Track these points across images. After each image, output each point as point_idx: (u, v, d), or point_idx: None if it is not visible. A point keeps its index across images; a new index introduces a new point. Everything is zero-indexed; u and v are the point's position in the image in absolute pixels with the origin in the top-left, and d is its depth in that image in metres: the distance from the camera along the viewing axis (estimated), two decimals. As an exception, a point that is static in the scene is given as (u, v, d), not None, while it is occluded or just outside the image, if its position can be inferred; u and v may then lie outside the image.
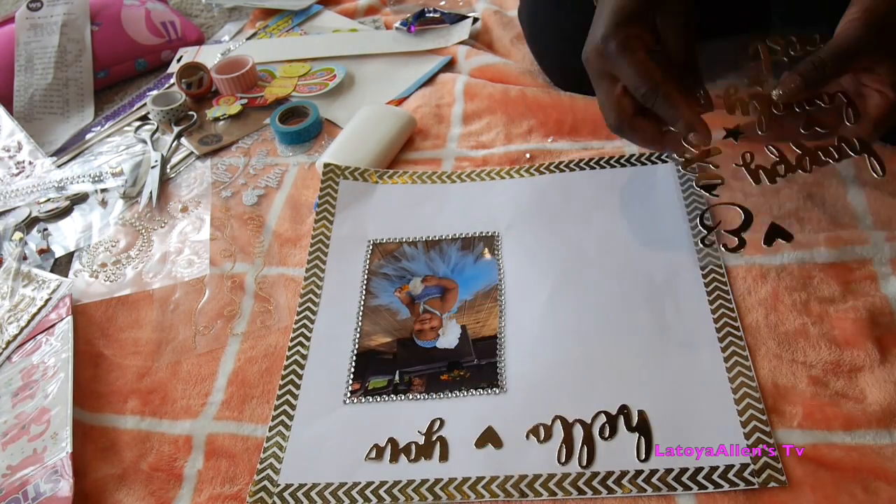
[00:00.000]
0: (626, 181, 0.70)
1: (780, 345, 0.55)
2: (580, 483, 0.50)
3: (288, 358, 0.61)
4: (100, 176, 0.85)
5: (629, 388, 0.54)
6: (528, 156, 0.76)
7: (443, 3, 1.06)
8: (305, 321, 0.63)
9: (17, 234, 0.79)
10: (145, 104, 0.94)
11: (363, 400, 0.57)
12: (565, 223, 0.67)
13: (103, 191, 0.83)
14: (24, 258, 0.76)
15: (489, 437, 0.53)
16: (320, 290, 0.65)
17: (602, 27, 0.53)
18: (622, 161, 0.72)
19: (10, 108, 0.98)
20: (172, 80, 0.96)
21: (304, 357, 0.60)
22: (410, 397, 0.57)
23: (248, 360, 0.62)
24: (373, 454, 0.53)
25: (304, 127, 0.84)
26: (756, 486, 0.48)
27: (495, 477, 0.51)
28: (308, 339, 0.62)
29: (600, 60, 0.54)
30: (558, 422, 0.53)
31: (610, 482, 0.49)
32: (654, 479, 0.49)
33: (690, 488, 0.48)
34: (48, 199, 0.83)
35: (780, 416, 0.51)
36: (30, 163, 0.90)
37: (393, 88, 0.91)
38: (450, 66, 0.93)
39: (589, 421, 0.53)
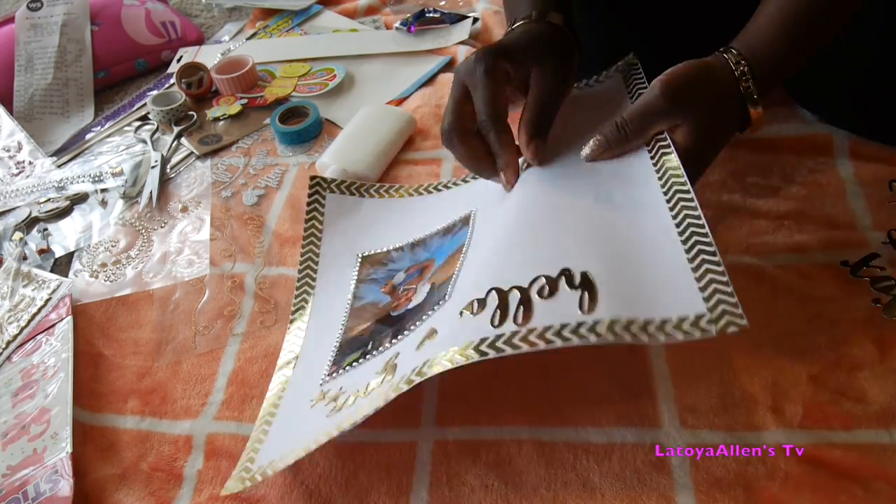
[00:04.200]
0: (580, 106, 0.66)
1: (779, 344, 0.55)
2: (516, 339, 0.44)
3: (274, 379, 0.60)
4: (100, 176, 0.85)
5: (572, 253, 0.49)
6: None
7: (443, 3, 1.06)
8: (294, 337, 0.62)
9: (17, 234, 0.79)
10: (145, 104, 0.94)
11: (337, 374, 0.56)
12: (538, 175, 0.61)
13: (103, 191, 0.83)
14: (24, 258, 0.76)
15: (427, 336, 0.51)
16: (308, 303, 0.65)
17: (484, 49, 0.58)
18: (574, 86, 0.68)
19: (10, 108, 0.98)
20: (172, 80, 0.96)
21: (291, 371, 0.60)
22: (376, 354, 0.55)
23: (248, 360, 0.62)
24: (332, 408, 0.51)
25: (304, 127, 0.84)
26: (713, 334, 0.42)
27: (428, 360, 0.47)
28: (296, 356, 0.61)
29: (467, 74, 0.58)
30: (493, 293, 0.48)
31: (549, 335, 0.44)
32: (598, 329, 0.43)
33: (640, 339, 0.42)
34: (48, 199, 0.83)
35: (780, 415, 0.51)
36: (30, 163, 0.90)
37: (393, 88, 0.91)
38: (450, 66, 0.93)
39: (526, 285, 0.47)
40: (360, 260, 0.68)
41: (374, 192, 0.74)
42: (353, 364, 0.56)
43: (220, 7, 1.16)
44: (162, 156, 0.85)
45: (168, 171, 0.84)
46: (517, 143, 0.59)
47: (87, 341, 0.66)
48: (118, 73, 1.04)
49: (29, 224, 0.81)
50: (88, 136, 0.93)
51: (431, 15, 0.99)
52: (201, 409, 0.59)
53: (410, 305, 0.59)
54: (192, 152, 0.86)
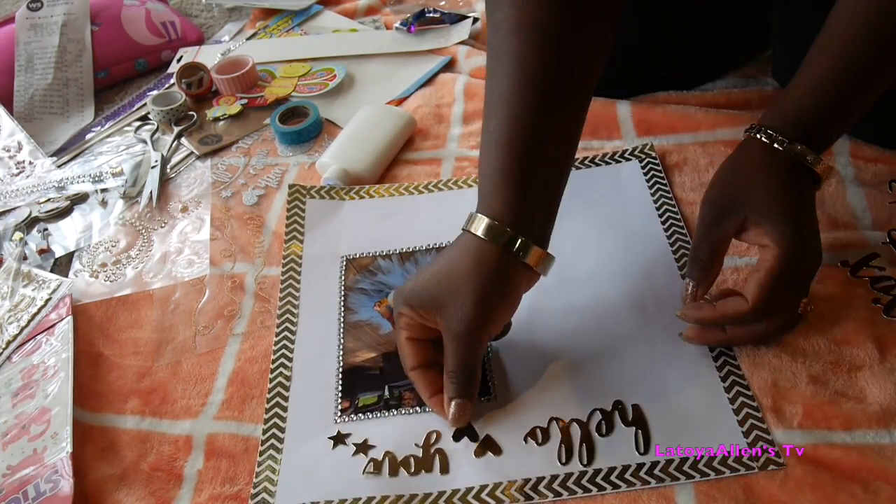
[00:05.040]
0: (593, 181, 0.71)
1: (779, 344, 0.55)
2: (584, 481, 0.50)
3: (271, 381, 0.59)
4: (100, 176, 0.85)
5: (620, 383, 0.55)
6: (528, 156, 0.76)
7: (443, 3, 1.06)
8: (285, 341, 0.62)
9: (18, 234, 0.79)
10: (145, 104, 0.94)
11: (354, 417, 0.56)
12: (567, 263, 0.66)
13: (103, 191, 0.83)
14: (24, 258, 0.76)
15: (488, 445, 0.53)
16: (297, 309, 0.64)
17: (404, 293, 0.53)
18: (586, 162, 0.73)
19: (10, 108, 0.98)
20: (172, 80, 0.96)
21: (289, 378, 0.59)
22: (403, 412, 0.56)
23: (248, 360, 0.62)
24: (370, 468, 0.52)
25: (304, 127, 0.84)
26: (756, 470, 0.48)
27: (499, 483, 0.50)
28: (290, 359, 0.61)
29: (395, 314, 0.54)
30: (554, 423, 0.53)
31: (613, 478, 0.50)
32: (656, 471, 0.49)
33: (693, 476, 0.49)
34: (48, 199, 0.83)
35: (780, 415, 0.51)
36: (30, 163, 0.90)
37: (393, 88, 0.91)
38: (450, 66, 0.93)
39: (585, 419, 0.53)
40: (343, 263, 0.68)
41: (353, 195, 0.74)
42: (371, 409, 0.56)
43: (220, 7, 1.16)
44: (162, 156, 0.85)
45: (168, 171, 0.84)
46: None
47: (87, 341, 0.66)
48: (118, 73, 1.04)
49: (29, 224, 0.81)
50: (88, 136, 0.93)
51: (431, 15, 0.99)
52: (201, 409, 0.59)
53: None
54: (192, 152, 0.86)
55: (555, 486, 0.50)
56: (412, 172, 0.78)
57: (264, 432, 0.56)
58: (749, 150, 0.54)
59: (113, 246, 0.76)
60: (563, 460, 0.51)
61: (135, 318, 0.68)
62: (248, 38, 1.06)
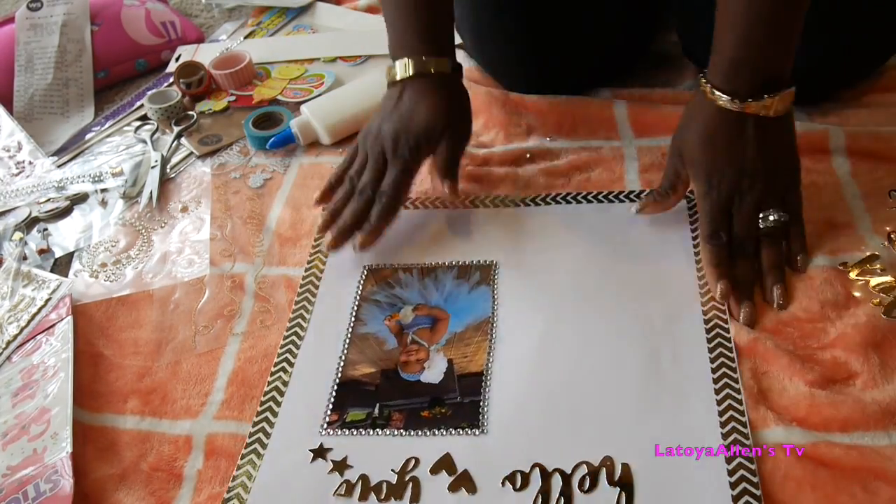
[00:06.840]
0: (632, 217, 0.66)
1: (779, 346, 0.55)
2: None
3: (270, 382, 0.59)
4: (100, 176, 0.85)
5: (615, 439, 0.51)
6: (528, 156, 0.76)
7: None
8: (291, 345, 0.62)
9: (17, 234, 0.79)
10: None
11: (339, 432, 0.55)
12: (566, 257, 0.65)
13: (103, 191, 0.83)
14: (24, 258, 0.76)
15: (463, 482, 0.51)
16: (309, 314, 0.64)
17: (408, 137, 0.67)
18: (631, 196, 0.69)
19: (10, 108, 0.98)
20: (172, 80, 0.96)
21: (286, 384, 0.59)
22: (388, 433, 0.54)
23: (248, 360, 0.62)
24: (342, 490, 0.51)
25: (275, 133, 0.83)
26: None
27: None
28: (292, 364, 0.60)
29: (394, 150, 0.68)
30: (536, 470, 0.50)
31: None
32: None
33: None
34: (48, 199, 0.83)
35: (780, 415, 0.51)
36: (30, 163, 0.90)
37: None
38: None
39: (569, 471, 0.50)
40: (364, 272, 0.67)
41: None
42: (358, 426, 0.55)
43: (220, 7, 1.16)
44: (162, 156, 0.85)
45: (168, 171, 0.84)
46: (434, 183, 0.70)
47: (87, 341, 0.66)
48: (118, 73, 1.04)
49: (29, 224, 0.81)
50: (88, 136, 0.93)
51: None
52: (201, 409, 0.59)
53: (423, 377, 0.58)
54: (192, 152, 0.86)
55: None
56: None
57: (251, 435, 0.56)
58: (693, 98, 0.62)
59: (113, 246, 0.76)
60: None
61: (135, 318, 0.68)
62: (245, 37, 1.06)
